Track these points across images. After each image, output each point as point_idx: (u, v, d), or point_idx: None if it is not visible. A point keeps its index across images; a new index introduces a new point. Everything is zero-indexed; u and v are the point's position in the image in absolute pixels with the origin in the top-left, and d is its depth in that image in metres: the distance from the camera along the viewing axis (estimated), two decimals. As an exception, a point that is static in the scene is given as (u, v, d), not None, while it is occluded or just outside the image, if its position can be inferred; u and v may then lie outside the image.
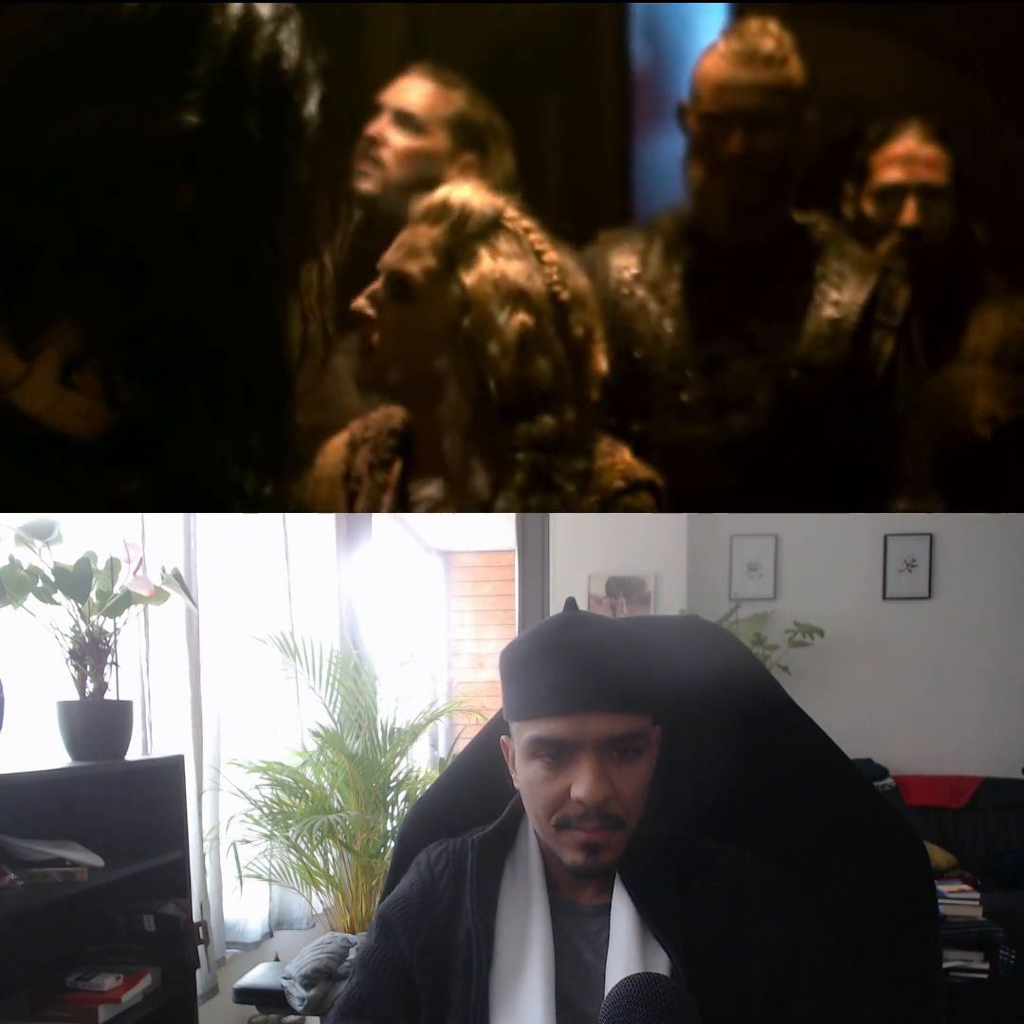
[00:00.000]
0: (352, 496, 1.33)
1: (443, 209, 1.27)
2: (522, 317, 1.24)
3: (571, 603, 1.14)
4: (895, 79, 1.98)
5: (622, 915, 1.06)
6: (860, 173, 1.87)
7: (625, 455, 1.30)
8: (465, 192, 1.28)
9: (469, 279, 1.25)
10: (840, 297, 1.57)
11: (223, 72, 0.61)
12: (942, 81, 1.97)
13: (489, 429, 1.26)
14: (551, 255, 1.27)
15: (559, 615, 1.11)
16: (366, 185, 1.72)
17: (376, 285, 1.27)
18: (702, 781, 1.24)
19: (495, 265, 1.24)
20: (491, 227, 1.26)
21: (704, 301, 1.59)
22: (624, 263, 1.62)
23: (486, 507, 1.26)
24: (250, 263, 0.65)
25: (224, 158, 0.62)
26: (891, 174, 1.84)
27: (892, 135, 1.85)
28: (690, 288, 1.59)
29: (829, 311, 1.57)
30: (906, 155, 1.83)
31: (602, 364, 1.30)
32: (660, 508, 1.30)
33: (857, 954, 1.11)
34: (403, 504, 1.32)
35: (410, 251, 1.27)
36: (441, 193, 1.29)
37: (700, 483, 1.57)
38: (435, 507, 1.30)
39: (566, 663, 1.05)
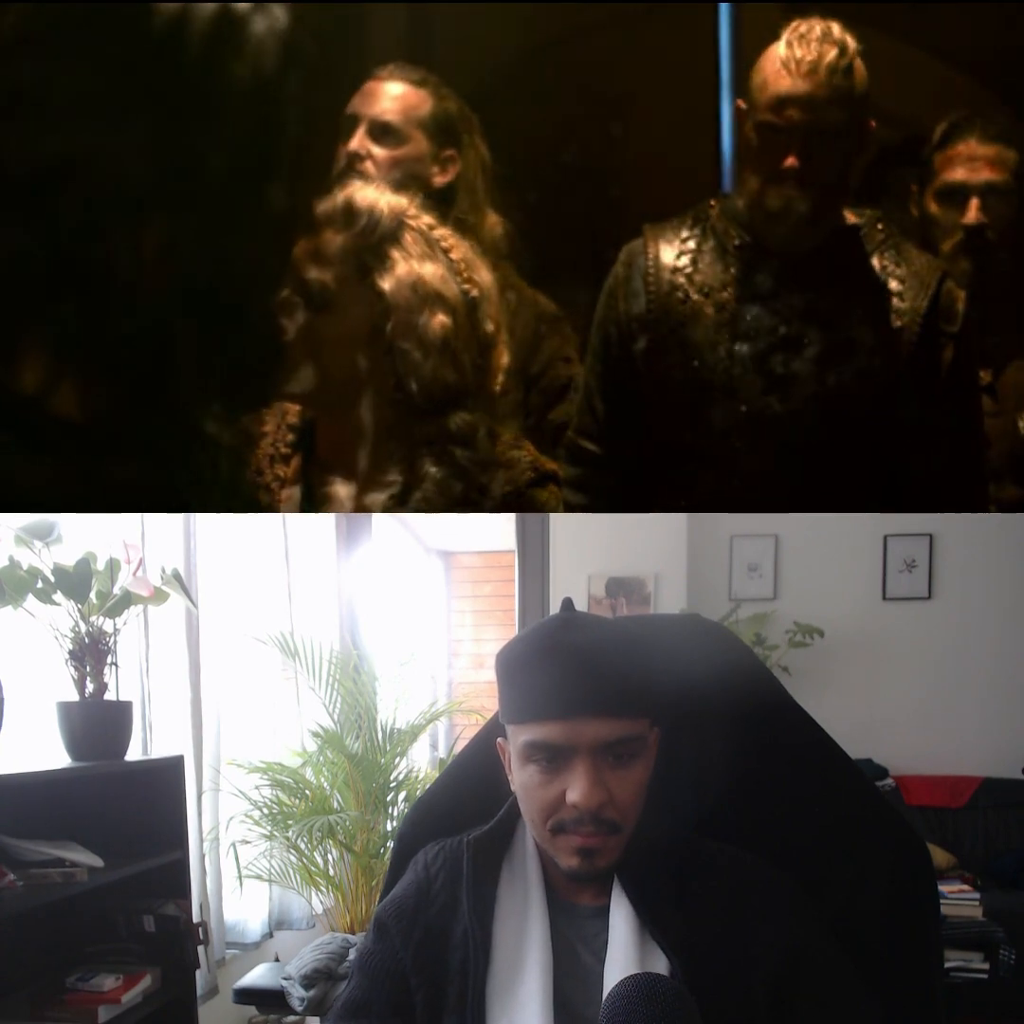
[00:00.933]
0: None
1: (349, 214, 1.24)
2: (442, 319, 1.23)
3: (568, 603, 1.12)
4: (921, 85, 1.99)
5: (621, 917, 1.05)
6: (924, 173, 1.86)
7: (530, 448, 1.31)
8: (370, 194, 1.26)
9: (386, 284, 1.23)
10: (901, 304, 1.52)
11: (197, 98, 0.60)
12: (970, 91, 1.99)
13: (404, 427, 1.25)
14: (457, 251, 1.26)
15: (555, 616, 1.09)
16: None
17: (284, 292, 1.24)
18: (702, 781, 1.23)
19: (410, 268, 1.23)
20: (399, 228, 1.24)
21: (760, 308, 1.54)
22: (676, 263, 1.57)
23: (401, 505, 1.26)
24: (229, 283, 0.64)
25: (199, 184, 0.61)
26: (954, 174, 1.84)
27: (956, 135, 1.85)
28: (745, 294, 1.54)
29: (890, 318, 1.52)
30: (969, 155, 1.83)
31: (505, 357, 1.30)
32: (565, 503, 1.30)
33: (857, 954, 1.11)
34: (310, 501, 1.31)
35: (318, 259, 1.24)
36: (343, 197, 1.26)
37: (757, 490, 1.53)
38: (347, 506, 1.29)
39: (561, 665, 1.03)
